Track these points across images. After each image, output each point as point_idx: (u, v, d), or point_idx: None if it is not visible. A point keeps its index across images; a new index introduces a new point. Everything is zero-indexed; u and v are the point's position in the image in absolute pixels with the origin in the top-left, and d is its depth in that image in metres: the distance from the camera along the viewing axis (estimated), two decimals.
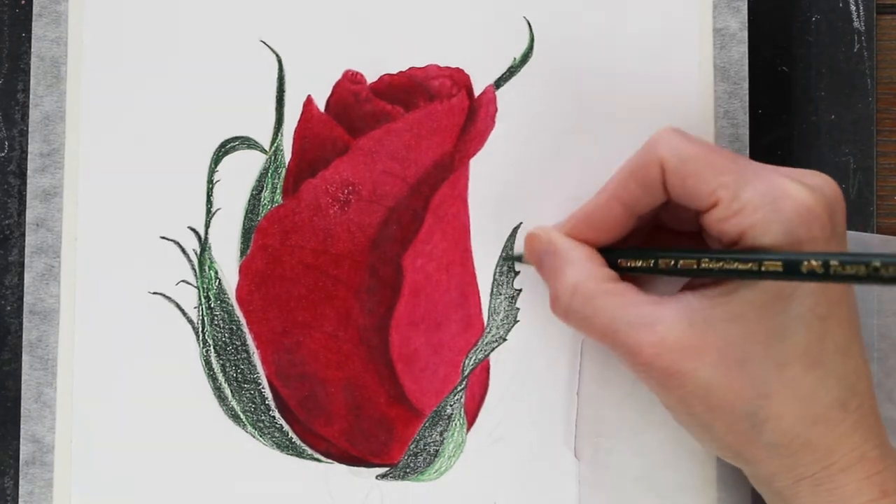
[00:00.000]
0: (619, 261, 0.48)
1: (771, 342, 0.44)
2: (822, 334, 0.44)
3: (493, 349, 0.52)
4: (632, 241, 0.49)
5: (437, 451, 0.52)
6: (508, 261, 0.52)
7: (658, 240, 0.50)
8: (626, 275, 0.48)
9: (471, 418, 0.52)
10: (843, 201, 0.46)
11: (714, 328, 0.44)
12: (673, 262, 0.46)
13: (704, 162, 0.45)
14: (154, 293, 0.52)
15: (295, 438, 0.52)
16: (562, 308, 0.47)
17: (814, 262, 0.41)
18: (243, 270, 0.52)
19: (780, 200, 0.44)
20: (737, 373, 0.44)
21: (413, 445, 0.52)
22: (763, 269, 0.43)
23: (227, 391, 0.52)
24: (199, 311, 0.52)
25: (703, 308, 0.45)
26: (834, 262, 0.41)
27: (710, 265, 0.44)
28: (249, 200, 0.52)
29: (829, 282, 0.41)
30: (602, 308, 0.46)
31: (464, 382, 0.52)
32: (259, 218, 0.52)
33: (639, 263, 0.47)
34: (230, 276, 0.52)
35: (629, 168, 0.47)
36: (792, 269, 0.42)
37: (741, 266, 0.43)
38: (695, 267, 0.45)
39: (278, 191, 0.52)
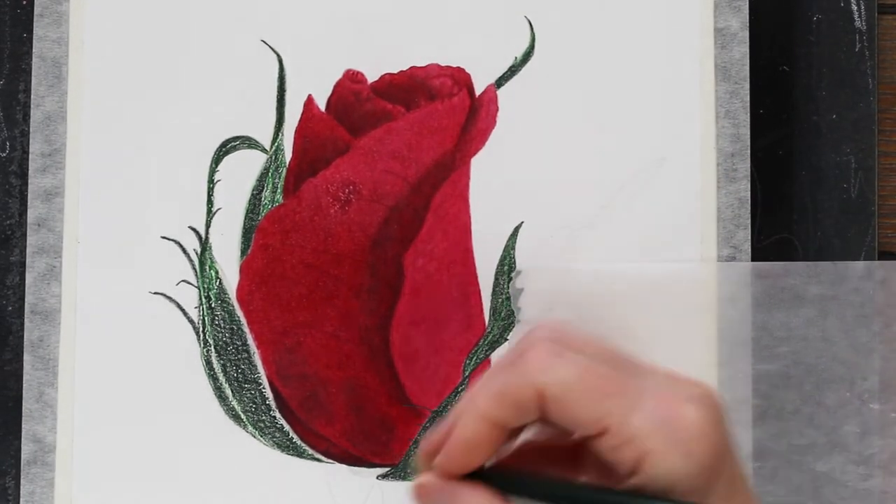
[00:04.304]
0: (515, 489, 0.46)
1: None
2: None
3: (495, 349, 0.52)
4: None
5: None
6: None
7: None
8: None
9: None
10: (724, 408, 0.43)
11: None
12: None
13: (586, 388, 0.42)
14: (155, 293, 0.52)
15: (296, 438, 0.52)
16: None
17: None
18: (244, 270, 0.52)
19: (674, 422, 0.42)
20: None
21: (414, 445, 0.52)
22: None
23: (228, 391, 0.52)
24: (199, 311, 0.52)
25: None
26: None
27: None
28: (250, 200, 0.52)
29: None
30: None
31: (465, 382, 0.52)
32: (260, 217, 0.52)
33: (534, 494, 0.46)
34: (231, 276, 0.52)
35: (499, 388, 0.44)
36: None
37: None
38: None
39: (279, 190, 0.52)
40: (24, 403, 0.52)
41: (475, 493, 0.46)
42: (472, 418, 0.45)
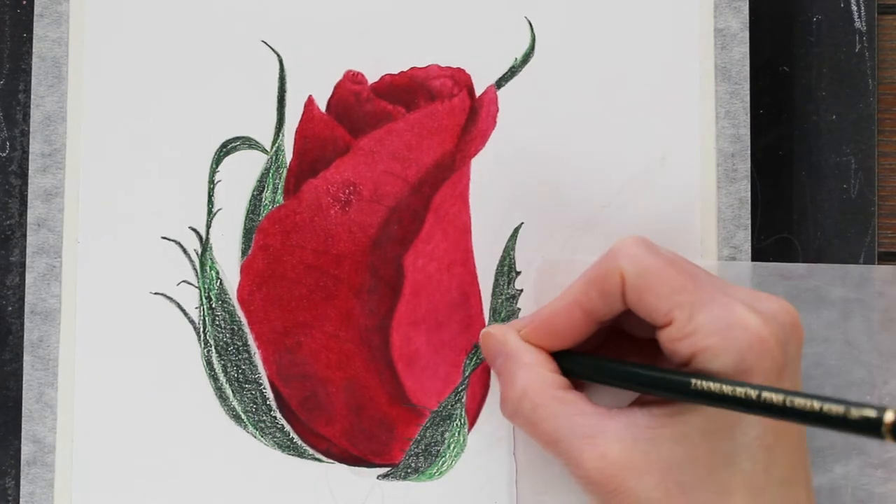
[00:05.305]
0: (574, 369, 0.47)
1: (715, 468, 0.43)
2: (768, 464, 0.44)
3: None
4: (590, 343, 0.48)
5: (438, 451, 0.52)
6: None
7: (615, 343, 0.49)
8: (579, 381, 0.48)
9: (472, 418, 0.52)
10: (799, 330, 0.45)
11: (659, 448, 0.44)
12: (625, 377, 0.46)
13: (663, 278, 0.44)
14: (155, 293, 0.52)
15: (296, 438, 0.52)
16: (509, 410, 0.47)
17: (773, 396, 0.41)
18: (244, 270, 0.52)
19: (734, 329, 0.43)
20: (678, 496, 0.43)
21: (414, 445, 0.52)
22: (709, 392, 0.43)
23: (229, 391, 0.52)
24: (200, 312, 0.52)
25: (650, 426, 0.44)
26: (783, 399, 0.40)
27: (659, 380, 0.44)
28: (250, 200, 0.52)
29: (780, 418, 0.41)
30: (548, 415, 0.45)
31: (465, 382, 0.52)
32: (260, 218, 0.52)
33: (591, 374, 0.47)
34: (231, 277, 0.52)
35: (591, 275, 0.46)
36: (744, 402, 0.41)
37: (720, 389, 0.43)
38: (644, 384, 0.45)
39: (279, 191, 0.52)
40: (24, 404, 0.52)
41: (532, 352, 0.47)
42: (563, 302, 0.47)
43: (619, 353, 0.49)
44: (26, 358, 0.52)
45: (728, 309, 0.44)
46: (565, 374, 0.48)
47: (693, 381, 0.43)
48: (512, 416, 0.47)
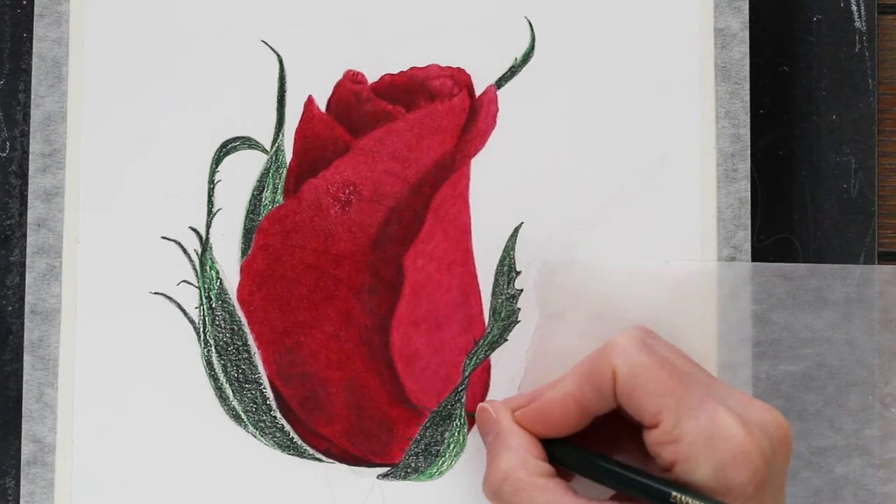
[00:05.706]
0: (562, 458, 0.48)
1: None
2: None
3: (494, 349, 0.52)
4: (587, 429, 0.48)
5: (438, 450, 0.52)
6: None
7: (612, 428, 0.49)
8: (563, 469, 0.48)
9: (472, 418, 0.52)
10: (788, 443, 0.45)
11: None
12: (608, 476, 0.46)
13: (652, 379, 0.44)
14: (155, 293, 0.52)
15: (296, 438, 0.52)
16: (490, 490, 0.47)
17: None
18: (244, 270, 0.52)
19: (717, 439, 0.43)
20: None
21: (414, 445, 0.52)
22: None
23: (229, 391, 0.52)
24: (200, 312, 0.52)
25: None
26: None
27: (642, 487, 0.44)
28: (250, 200, 0.52)
29: None
30: (528, 501, 0.45)
31: (465, 382, 0.52)
32: (260, 218, 0.52)
33: (578, 466, 0.47)
34: (231, 277, 0.52)
35: (585, 369, 0.46)
36: None
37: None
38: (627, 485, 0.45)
39: (279, 191, 0.52)
40: (24, 404, 0.52)
41: (521, 436, 0.47)
42: (558, 394, 0.47)
43: (614, 440, 0.49)
44: (26, 358, 0.52)
45: (714, 417, 0.44)
46: (554, 461, 0.48)
47: (673, 493, 0.43)
48: (492, 496, 0.47)
